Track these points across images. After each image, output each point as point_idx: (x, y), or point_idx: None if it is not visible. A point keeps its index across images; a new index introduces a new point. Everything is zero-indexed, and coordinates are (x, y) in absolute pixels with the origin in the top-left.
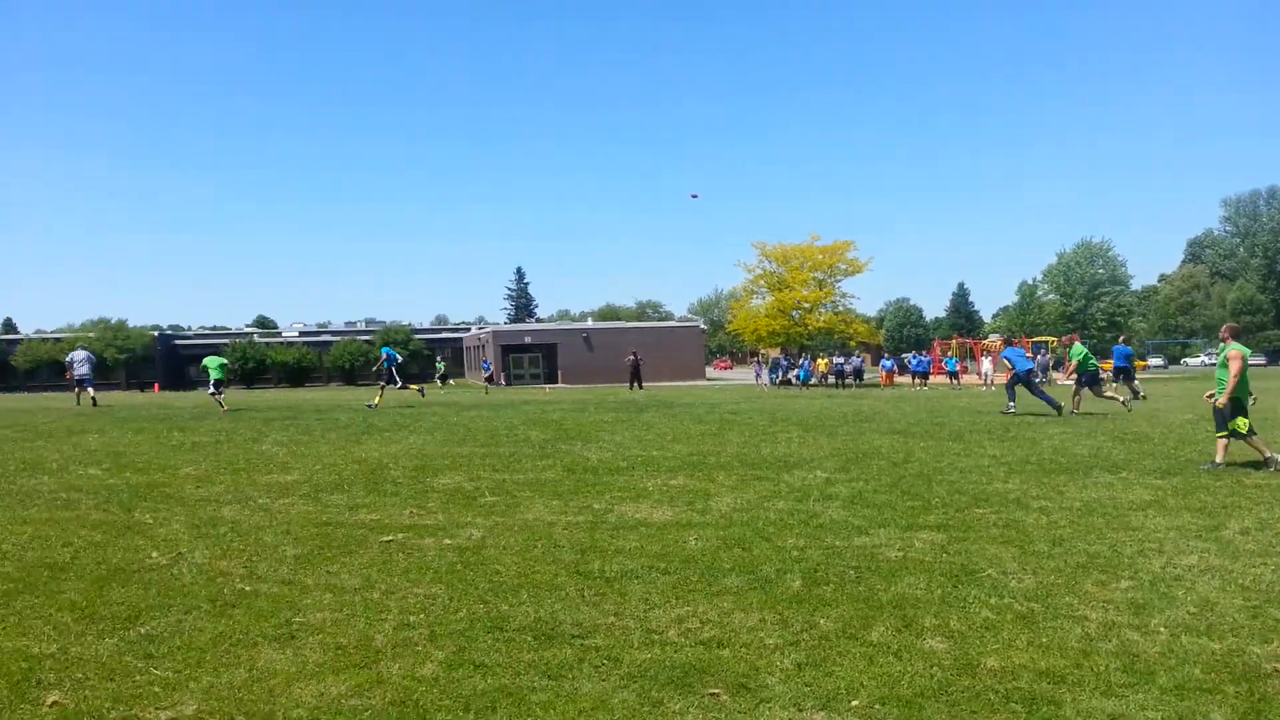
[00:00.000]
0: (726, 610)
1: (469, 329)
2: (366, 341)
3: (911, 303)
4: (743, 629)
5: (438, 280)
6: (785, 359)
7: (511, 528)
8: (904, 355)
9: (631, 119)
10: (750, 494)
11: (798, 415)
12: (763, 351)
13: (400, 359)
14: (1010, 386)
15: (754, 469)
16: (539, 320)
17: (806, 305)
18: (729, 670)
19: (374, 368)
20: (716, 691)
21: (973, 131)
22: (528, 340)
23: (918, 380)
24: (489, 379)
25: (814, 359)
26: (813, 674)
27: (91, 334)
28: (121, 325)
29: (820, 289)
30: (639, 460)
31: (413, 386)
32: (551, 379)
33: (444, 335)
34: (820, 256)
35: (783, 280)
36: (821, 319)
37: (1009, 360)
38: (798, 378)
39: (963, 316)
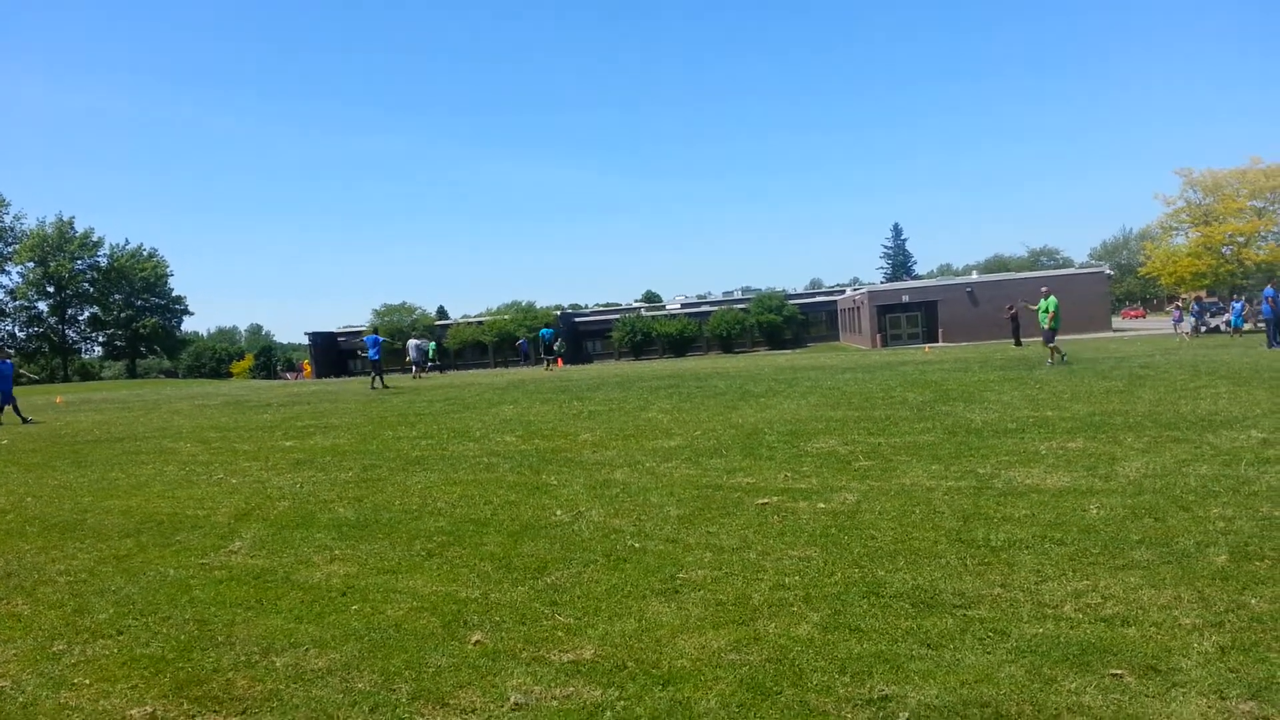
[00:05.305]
0: (1133, 586)
1: (844, 291)
2: (743, 310)
3: None
4: (1153, 607)
5: (811, 243)
6: (1210, 303)
7: (887, 492)
8: None
9: (1018, 40)
10: (1165, 458)
11: (1227, 367)
12: (1183, 296)
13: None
14: None
15: (1170, 429)
16: (917, 278)
17: (1241, 238)
18: (1135, 650)
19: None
20: (1120, 673)
21: None
22: (905, 299)
23: None
24: (419, 365)
25: (1249, 301)
26: (1239, 659)
27: (506, 316)
28: (531, 306)
29: (1259, 218)
30: (1030, 421)
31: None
32: (931, 338)
33: (818, 299)
34: (1263, 180)
35: (1210, 212)
36: (1263, 252)
37: None
38: (1228, 324)
39: None
